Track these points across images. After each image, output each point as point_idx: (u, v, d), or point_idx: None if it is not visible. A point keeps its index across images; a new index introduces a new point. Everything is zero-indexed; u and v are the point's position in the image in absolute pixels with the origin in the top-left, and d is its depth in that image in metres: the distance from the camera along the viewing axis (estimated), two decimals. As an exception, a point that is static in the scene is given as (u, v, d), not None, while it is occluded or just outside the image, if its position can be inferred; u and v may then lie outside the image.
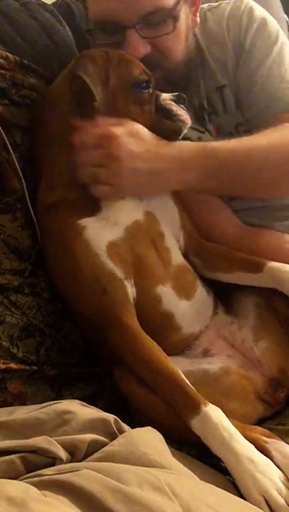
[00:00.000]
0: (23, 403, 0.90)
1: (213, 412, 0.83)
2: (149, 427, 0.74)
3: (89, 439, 0.67)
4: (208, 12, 1.22)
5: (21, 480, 0.61)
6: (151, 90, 1.02)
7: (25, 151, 1.04)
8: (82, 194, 0.97)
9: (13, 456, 0.63)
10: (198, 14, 1.17)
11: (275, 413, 0.98)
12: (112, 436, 0.69)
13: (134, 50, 1.04)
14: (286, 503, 0.75)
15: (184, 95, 1.05)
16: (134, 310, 0.93)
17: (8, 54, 1.03)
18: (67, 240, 0.94)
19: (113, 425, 0.70)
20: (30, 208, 1.00)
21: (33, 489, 0.53)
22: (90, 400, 0.96)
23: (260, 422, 0.95)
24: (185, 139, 1.06)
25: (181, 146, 1.02)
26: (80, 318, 1.03)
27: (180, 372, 0.88)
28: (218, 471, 0.81)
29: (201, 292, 1.04)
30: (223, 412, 0.84)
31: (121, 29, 1.05)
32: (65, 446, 0.65)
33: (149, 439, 0.71)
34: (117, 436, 0.70)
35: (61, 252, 0.96)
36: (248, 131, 1.13)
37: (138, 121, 0.99)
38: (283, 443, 0.85)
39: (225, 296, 1.10)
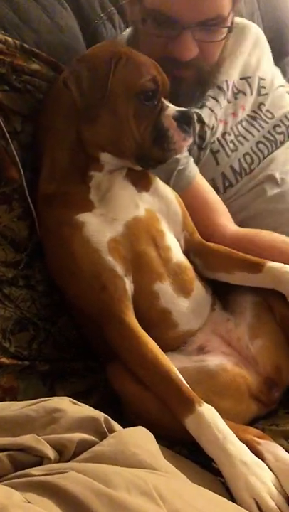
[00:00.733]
0: (14, 398, 0.89)
1: (208, 412, 0.82)
2: (140, 427, 0.73)
3: (78, 438, 0.65)
4: None
5: (9, 479, 0.60)
6: (156, 102, 0.95)
7: (25, 138, 1.02)
8: (78, 188, 0.95)
9: (0, 454, 0.62)
10: None
11: (268, 413, 0.97)
12: (102, 436, 0.68)
13: (186, 50, 1.07)
14: (277, 506, 0.74)
15: (192, 114, 0.98)
16: (132, 306, 0.92)
17: (8, 38, 1.00)
18: (65, 234, 0.93)
19: (103, 424, 0.69)
20: (29, 198, 0.98)
21: (17, 494, 0.51)
22: (83, 395, 0.95)
23: (253, 422, 0.94)
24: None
25: None
26: (76, 313, 1.02)
27: (176, 369, 0.87)
28: (209, 471, 0.81)
29: (199, 289, 1.03)
30: (217, 410, 0.83)
31: (177, 27, 1.06)
32: (54, 445, 0.64)
33: (139, 439, 0.70)
34: (107, 436, 0.68)
35: (59, 247, 0.95)
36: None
37: (126, 140, 0.94)
38: (276, 444, 0.84)
39: (222, 292, 1.08)
